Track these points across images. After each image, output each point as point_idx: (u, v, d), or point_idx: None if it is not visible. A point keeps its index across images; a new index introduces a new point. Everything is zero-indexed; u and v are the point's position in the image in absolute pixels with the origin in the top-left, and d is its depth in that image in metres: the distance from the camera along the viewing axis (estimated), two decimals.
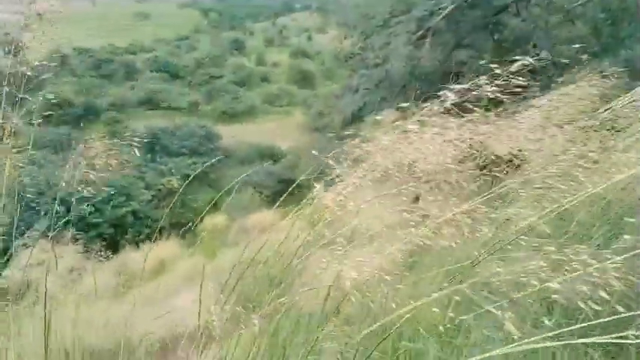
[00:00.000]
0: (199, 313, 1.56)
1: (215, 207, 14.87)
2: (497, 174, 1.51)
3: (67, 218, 1.81)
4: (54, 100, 1.87)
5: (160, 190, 24.62)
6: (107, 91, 40.57)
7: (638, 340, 0.85)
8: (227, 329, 1.47)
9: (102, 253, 4.47)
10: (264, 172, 27.60)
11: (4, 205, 1.57)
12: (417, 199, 1.50)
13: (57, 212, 1.69)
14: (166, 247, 16.36)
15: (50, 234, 1.69)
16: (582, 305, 0.99)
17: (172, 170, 26.65)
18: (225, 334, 1.45)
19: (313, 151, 1.96)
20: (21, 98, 1.53)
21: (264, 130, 37.50)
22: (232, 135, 34.41)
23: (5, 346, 1.63)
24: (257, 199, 23.73)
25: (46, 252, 1.67)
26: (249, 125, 39.07)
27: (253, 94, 45.67)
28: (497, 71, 1.23)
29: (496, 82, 1.23)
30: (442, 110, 1.28)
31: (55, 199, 1.75)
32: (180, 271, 12.27)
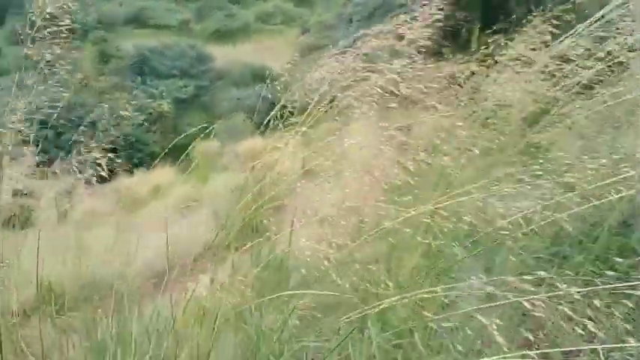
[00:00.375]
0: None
1: (207, 132, 14.83)
2: None
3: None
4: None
5: (150, 113, 24.26)
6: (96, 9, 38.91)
7: None
8: (224, 255, 1.54)
9: (95, 177, 4.54)
10: (257, 96, 27.08)
11: None
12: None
13: (46, 137, 1.69)
14: (161, 174, 16.68)
15: (38, 158, 1.70)
16: None
17: (163, 93, 26.05)
18: (222, 259, 1.51)
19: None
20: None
21: (258, 49, 36.35)
22: (225, 55, 33.56)
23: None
24: (249, 124, 22.76)
25: (37, 178, 1.68)
26: (242, 45, 37.81)
27: (247, 12, 43.87)
28: None
29: None
30: None
31: (43, 122, 1.73)
32: (174, 197, 12.61)
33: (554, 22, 2.12)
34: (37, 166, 1.85)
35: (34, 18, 1.63)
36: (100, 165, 1.87)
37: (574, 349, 0.94)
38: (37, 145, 1.78)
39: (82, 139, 1.94)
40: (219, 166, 16.84)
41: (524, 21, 2.29)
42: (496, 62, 2.22)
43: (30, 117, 1.68)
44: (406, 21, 1.85)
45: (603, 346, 0.86)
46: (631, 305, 1.05)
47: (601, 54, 1.92)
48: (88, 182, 1.80)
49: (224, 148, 18.77)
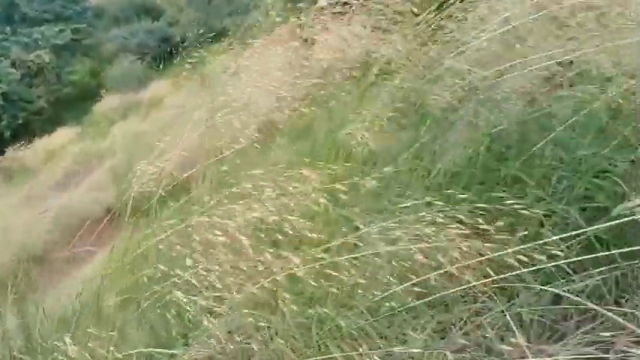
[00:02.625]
0: None
1: (95, 78, 17.73)
2: None
3: None
4: None
5: (29, 67, 24.46)
6: None
7: None
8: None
9: None
10: (144, 32, 27.47)
11: None
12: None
13: None
14: (60, 136, 17.05)
15: None
16: None
17: (39, 42, 26.08)
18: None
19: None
20: None
21: None
22: None
23: None
24: (139, 66, 24.03)
25: None
26: None
27: None
28: None
29: None
30: None
31: None
32: (69, 158, 12.66)
33: None
34: None
35: None
36: None
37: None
38: None
39: None
40: (119, 117, 16.66)
41: None
42: None
43: None
44: None
45: None
46: None
47: None
48: None
49: (123, 97, 19.25)
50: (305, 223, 1.34)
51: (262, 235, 1.40)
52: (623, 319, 1.03)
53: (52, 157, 14.74)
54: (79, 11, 29.29)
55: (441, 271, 1.17)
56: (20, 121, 22.58)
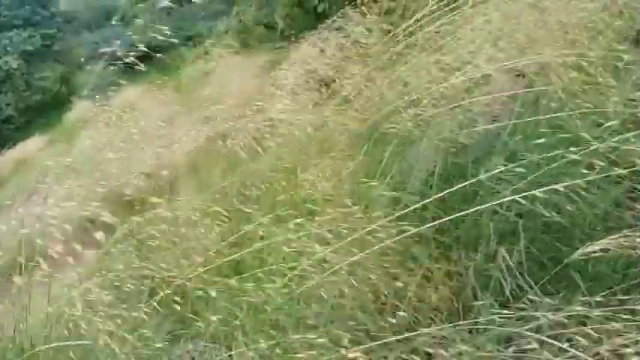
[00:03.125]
0: None
1: (66, 84, 18.25)
2: None
3: None
4: None
5: None
6: None
7: None
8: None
9: None
10: (115, 37, 27.46)
11: None
12: None
13: None
14: (30, 145, 16.54)
15: None
16: None
17: (8, 48, 26.00)
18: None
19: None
20: None
21: None
22: None
23: None
24: (110, 72, 23.42)
25: None
26: None
27: None
28: None
29: None
30: None
31: None
32: (39, 167, 11.58)
33: None
34: None
35: None
36: None
37: None
38: None
39: None
40: (90, 125, 16.82)
41: None
42: None
43: None
44: None
45: None
46: None
47: None
48: None
49: (94, 104, 18.92)
50: None
51: None
52: None
53: (21, 166, 14.57)
54: (49, 16, 29.28)
55: None
56: None
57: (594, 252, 1.40)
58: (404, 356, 1.33)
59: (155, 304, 1.76)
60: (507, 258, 1.61)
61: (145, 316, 1.73)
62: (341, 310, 1.60)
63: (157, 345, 1.69)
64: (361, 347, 1.30)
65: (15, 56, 25.61)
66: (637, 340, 1.19)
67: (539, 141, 1.64)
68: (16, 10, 28.27)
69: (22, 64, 25.72)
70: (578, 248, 1.46)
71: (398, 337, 1.32)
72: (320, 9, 6.98)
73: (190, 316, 1.88)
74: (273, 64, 6.03)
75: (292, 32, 8.30)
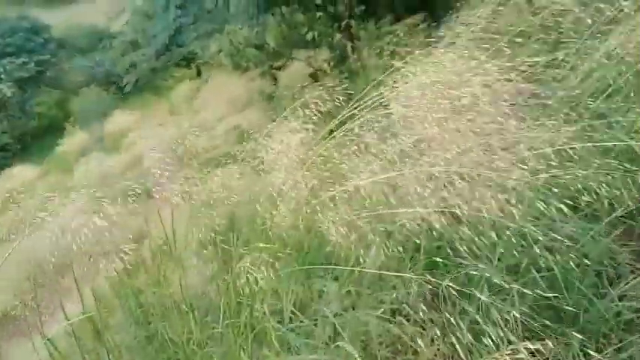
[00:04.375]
0: None
1: (61, 109, 19.12)
2: None
3: None
4: None
5: None
6: None
7: None
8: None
9: None
10: (109, 61, 26.15)
11: None
12: None
13: None
14: (18, 175, 16.63)
15: None
16: None
17: (2, 76, 26.89)
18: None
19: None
20: None
21: (98, 9, 36.35)
22: (63, 20, 32.85)
23: None
24: (105, 96, 24.64)
25: None
26: (81, 4, 37.17)
27: None
28: None
29: None
30: None
31: None
32: (32, 197, 13.43)
33: None
34: None
35: None
36: None
37: None
38: None
39: None
40: (87, 151, 15.33)
41: None
42: None
43: None
44: None
45: None
46: None
47: None
48: None
49: (89, 130, 18.46)
50: None
51: None
52: None
53: (14, 196, 14.65)
54: (42, 42, 30.28)
55: None
56: None
57: None
58: None
59: None
60: None
61: None
62: None
63: None
64: None
65: (9, 84, 26.48)
66: None
67: None
68: (9, 38, 29.33)
69: (17, 91, 26.56)
70: None
71: None
72: (309, 37, 7.49)
73: None
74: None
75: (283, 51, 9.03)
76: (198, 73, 12.56)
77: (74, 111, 25.22)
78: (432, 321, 1.80)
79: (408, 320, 1.82)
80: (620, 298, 1.70)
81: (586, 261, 1.71)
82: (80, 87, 27.69)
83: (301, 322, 1.92)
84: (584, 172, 1.67)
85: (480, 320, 1.62)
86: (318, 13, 6.41)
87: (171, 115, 15.24)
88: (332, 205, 1.86)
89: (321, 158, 1.92)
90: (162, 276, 2.74)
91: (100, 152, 14.67)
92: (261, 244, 2.02)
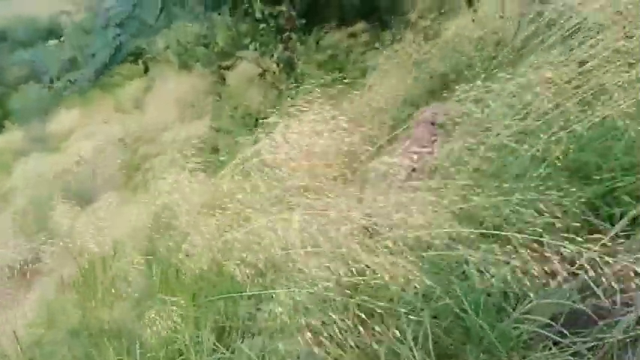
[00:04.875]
0: None
1: (1, 106, 18.23)
2: None
3: None
4: None
5: None
6: None
7: None
8: None
9: None
10: (51, 56, 27.17)
11: None
12: None
13: None
14: None
15: None
16: None
17: None
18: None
19: None
20: None
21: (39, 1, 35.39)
22: (2, 11, 33.15)
23: None
24: (46, 93, 23.20)
25: None
26: None
27: None
28: None
29: None
30: None
31: None
32: None
33: None
34: None
35: None
36: None
37: None
38: None
39: None
40: (26, 151, 15.57)
41: None
42: None
43: None
44: None
45: None
46: None
47: None
48: None
49: (29, 129, 18.61)
50: None
51: None
52: None
53: None
54: None
55: None
56: None
57: None
58: None
59: None
60: None
61: None
62: None
63: None
64: None
65: None
66: None
67: None
68: None
69: None
70: None
71: None
72: (252, 48, 7.70)
73: None
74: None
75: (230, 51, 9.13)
76: (146, 70, 12.34)
77: (14, 108, 24.10)
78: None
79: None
80: (523, 321, 1.78)
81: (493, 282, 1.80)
82: (20, 82, 25.85)
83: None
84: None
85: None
86: (261, 25, 6.31)
87: (117, 112, 15.01)
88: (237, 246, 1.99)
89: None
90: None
91: (42, 152, 14.73)
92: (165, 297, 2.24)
